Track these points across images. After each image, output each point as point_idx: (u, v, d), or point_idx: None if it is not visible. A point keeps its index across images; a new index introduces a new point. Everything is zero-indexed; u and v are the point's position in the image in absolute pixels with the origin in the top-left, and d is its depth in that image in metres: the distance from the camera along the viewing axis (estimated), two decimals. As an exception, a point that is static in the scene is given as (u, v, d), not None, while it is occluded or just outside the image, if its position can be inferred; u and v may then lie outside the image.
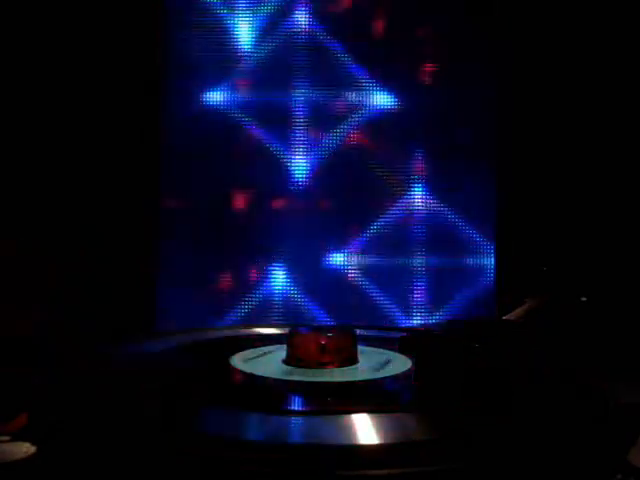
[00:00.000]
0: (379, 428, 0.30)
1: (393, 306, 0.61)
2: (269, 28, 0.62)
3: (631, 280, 0.58)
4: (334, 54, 0.61)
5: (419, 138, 0.61)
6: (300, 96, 0.61)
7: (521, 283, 0.58)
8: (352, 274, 0.61)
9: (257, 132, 0.61)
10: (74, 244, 0.61)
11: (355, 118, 0.61)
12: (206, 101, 0.61)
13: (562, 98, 0.61)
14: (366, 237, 0.61)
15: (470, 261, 0.61)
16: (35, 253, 0.58)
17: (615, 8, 0.61)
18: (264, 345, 0.46)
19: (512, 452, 0.28)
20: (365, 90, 0.61)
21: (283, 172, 0.61)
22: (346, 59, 0.61)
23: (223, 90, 0.61)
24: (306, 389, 0.37)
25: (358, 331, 0.44)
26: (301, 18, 0.62)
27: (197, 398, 0.34)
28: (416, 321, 0.60)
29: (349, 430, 0.30)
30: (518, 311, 0.43)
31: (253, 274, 0.61)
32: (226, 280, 0.61)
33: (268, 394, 0.37)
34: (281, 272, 0.61)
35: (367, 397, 0.36)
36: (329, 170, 0.61)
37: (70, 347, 0.49)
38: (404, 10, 0.62)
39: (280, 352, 0.42)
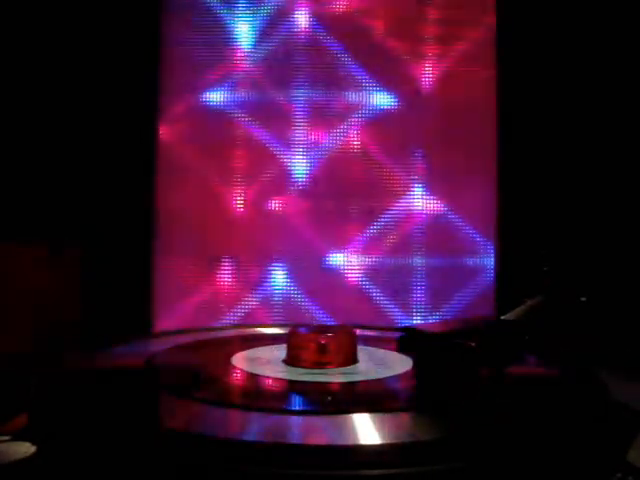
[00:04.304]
0: (379, 428, 0.30)
1: (393, 306, 0.61)
2: (269, 28, 0.62)
3: (631, 280, 0.58)
4: (334, 54, 0.61)
5: (419, 138, 0.61)
6: (300, 96, 0.61)
7: (521, 283, 0.58)
8: (352, 274, 0.61)
9: (257, 132, 0.61)
10: (73, 245, 0.61)
11: (355, 118, 0.61)
12: (206, 101, 0.61)
13: (562, 99, 0.61)
14: (366, 237, 0.61)
15: (470, 261, 0.61)
16: (33, 253, 0.58)
17: (614, 9, 0.61)
18: (264, 345, 0.46)
19: (512, 452, 0.28)
20: (365, 90, 0.61)
21: (283, 172, 0.61)
22: (346, 59, 0.61)
23: (223, 90, 0.61)
24: (306, 389, 0.37)
25: (358, 331, 0.44)
26: (301, 18, 0.62)
27: (197, 398, 0.34)
28: (416, 321, 0.60)
29: (349, 430, 0.30)
30: (518, 311, 0.43)
31: (253, 274, 0.61)
32: (226, 280, 0.61)
33: (268, 394, 0.37)
34: (281, 272, 0.61)
35: (367, 397, 0.36)
36: (329, 170, 0.61)
37: (69, 348, 0.49)
38: (404, 10, 0.62)
39: (280, 352, 0.42)
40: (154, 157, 0.61)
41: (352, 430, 0.30)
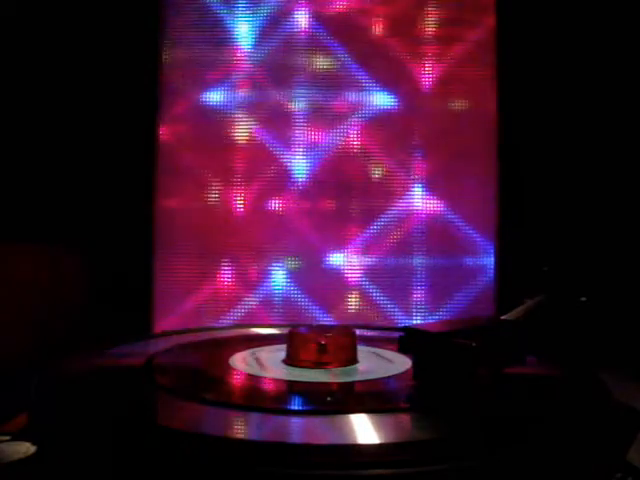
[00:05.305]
0: (379, 428, 0.30)
1: (393, 306, 0.61)
2: (269, 28, 0.62)
3: (631, 280, 0.58)
4: (334, 54, 0.61)
5: (419, 138, 0.61)
6: (300, 96, 0.61)
7: (521, 283, 0.58)
8: (352, 274, 0.61)
9: (257, 132, 0.61)
10: (72, 245, 0.61)
11: (355, 118, 0.61)
12: (206, 101, 0.61)
13: (561, 99, 0.61)
14: (366, 237, 0.61)
15: (470, 261, 0.61)
16: (33, 253, 0.58)
17: (614, 9, 0.61)
18: (264, 345, 0.46)
19: (512, 452, 0.28)
20: (365, 90, 0.61)
21: (283, 172, 0.61)
22: (346, 59, 0.61)
23: (223, 90, 0.61)
24: (306, 389, 0.37)
25: (358, 331, 0.44)
26: (301, 18, 0.62)
27: (197, 399, 0.34)
28: (416, 321, 0.60)
29: (349, 430, 0.30)
30: (518, 311, 0.43)
31: (253, 274, 0.61)
32: (226, 280, 0.61)
33: (268, 394, 0.37)
34: (281, 272, 0.61)
35: (367, 397, 0.36)
36: (329, 170, 0.61)
37: (69, 348, 0.49)
38: (404, 10, 0.62)
39: (280, 352, 0.42)
40: (154, 157, 0.61)
41: (352, 430, 0.30)
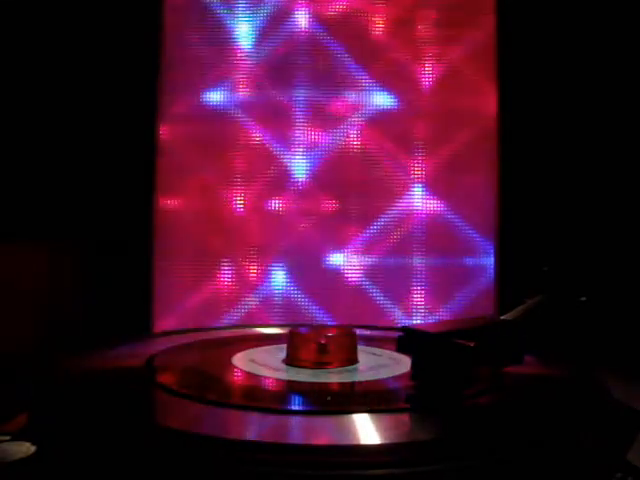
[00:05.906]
0: (379, 428, 0.30)
1: (393, 306, 0.61)
2: (269, 28, 0.62)
3: (631, 280, 0.58)
4: (334, 54, 0.61)
5: (419, 139, 0.61)
6: (300, 96, 0.61)
7: (521, 283, 0.58)
8: (352, 274, 0.61)
9: (257, 132, 0.61)
10: (72, 245, 0.61)
11: (355, 118, 0.61)
12: (206, 101, 0.61)
13: (562, 99, 0.61)
14: (366, 237, 0.61)
15: (470, 261, 0.61)
16: (33, 253, 0.58)
17: (614, 9, 0.61)
18: (264, 345, 0.46)
19: (512, 452, 0.28)
20: (365, 90, 0.61)
21: (283, 172, 0.61)
22: (346, 59, 0.61)
23: (223, 90, 0.61)
24: (306, 389, 0.37)
25: (358, 331, 0.44)
26: (301, 18, 0.62)
27: (197, 399, 0.34)
28: (416, 321, 0.60)
29: (349, 430, 0.30)
30: (518, 311, 0.43)
31: (253, 274, 0.61)
32: (226, 280, 0.61)
33: (268, 394, 0.37)
34: (281, 272, 0.61)
35: (367, 397, 0.36)
36: (329, 170, 0.61)
37: (70, 348, 0.49)
38: (404, 10, 0.62)
39: (280, 352, 0.42)
40: (154, 157, 0.61)
41: (352, 430, 0.30)
